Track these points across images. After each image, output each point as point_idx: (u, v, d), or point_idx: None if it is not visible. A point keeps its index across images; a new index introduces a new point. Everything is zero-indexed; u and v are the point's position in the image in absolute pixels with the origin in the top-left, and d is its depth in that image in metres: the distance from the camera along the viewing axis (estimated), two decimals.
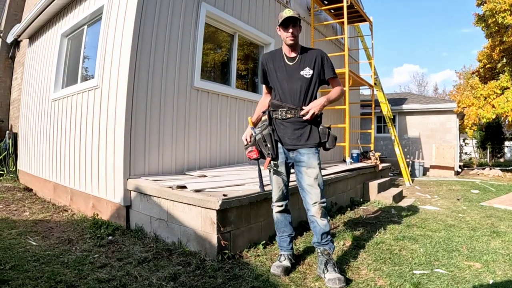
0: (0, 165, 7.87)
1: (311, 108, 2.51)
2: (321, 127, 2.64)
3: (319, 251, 2.58)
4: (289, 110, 2.58)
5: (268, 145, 2.57)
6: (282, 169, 2.65)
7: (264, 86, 2.85)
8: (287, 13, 2.49)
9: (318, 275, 2.54)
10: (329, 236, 2.56)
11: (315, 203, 2.51)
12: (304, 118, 2.52)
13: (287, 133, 2.59)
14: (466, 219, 4.60)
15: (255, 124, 2.78)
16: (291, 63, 2.63)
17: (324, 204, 2.53)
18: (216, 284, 2.36)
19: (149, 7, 3.87)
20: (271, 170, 2.66)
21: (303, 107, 2.56)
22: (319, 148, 2.65)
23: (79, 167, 4.41)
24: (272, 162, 2.62)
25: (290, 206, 2.82)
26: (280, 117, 2.61)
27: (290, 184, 2.79)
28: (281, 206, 2.71)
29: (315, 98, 2.67)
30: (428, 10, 62.61)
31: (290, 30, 2.52)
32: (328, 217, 2.60)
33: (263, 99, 2.88)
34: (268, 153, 2.57)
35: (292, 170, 2.73)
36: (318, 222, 2.53)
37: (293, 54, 2.64)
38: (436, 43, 62.31)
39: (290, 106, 2.58)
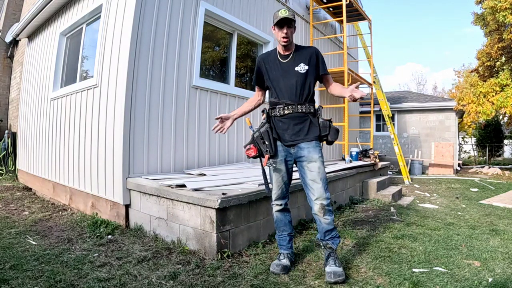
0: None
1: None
2: (321, 120, 2.62)
3: (322, 245, 2.63)
4: (286, 106, 2.58)
5: (266, 143, 2.57)
6: (281, 167, 2.65)
7: (256, 87, 2.87)
8: (282, 13, 2.49)
9: (321, 269, 2.58)
10: (332, 233, 2.56)
11: (317, 199, 2.50)
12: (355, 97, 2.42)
13: (286, 129, 2.59)
14: (465, 217, 4.61)
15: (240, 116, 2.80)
16: (285, 60, 2.64)
17: (327, 201, 2.50)
18: (215, 282, 2.36)
19: (148, 6, 3.86)
20: (270, 167, 2.66)
21: (301, 102, 2.57)
22: (320, 142, 2.64)
23: (79, 166, 4.41)
24: (271, 159, 2.62)
25: (289, 204, 2.82)
26: (278, 114, 2.60)
27: (291, 182, 2.78)
28: (281, 205, 2.71)
29: (313, 94, 2.67)
30: (432, 10, 62.93)
31: (284, 31, 2.53)
32: (332, 215, 2.58)
33: (254, 97, 2.91)
34: (266, 151, 2.57)
35: (295, 168, 2.72)
36: (321, 221, 2.53)
37: (287, 52, 2.65)
38: (439, 42, 62.73)
39: (287, 102, 2.58)
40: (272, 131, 2.62)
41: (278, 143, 2.64)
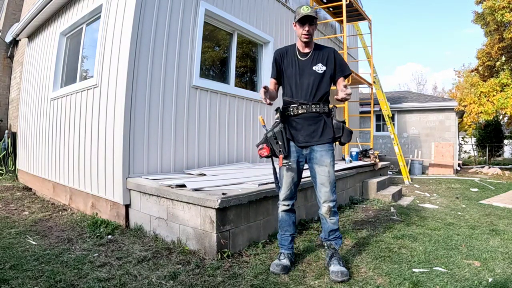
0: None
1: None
2: (335, 121, 2.61)
3: (325, 244, 2.65)
4: (300, 105, 2.56)
5: (279, 143, 2.55)
6: (293, 168, 2.63)
7: (272, 79, 2.76)
8: (305, 10, 2.48)
9: (323, 268, 2.61)
10: (336, 233, 2.61)
11: (325, 201, 2.56)
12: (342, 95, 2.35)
13: (300, 129, 2.58)
14: (465, 217, 4.61)
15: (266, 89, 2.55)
16: (303, 58, 2.62)
17: (333, 203, 2.56)
18: (215, 282, 2.36)
19: (148, 6, 3.86)
20: (285, 167, 2.62)
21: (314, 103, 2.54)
22: (333, 144, 2.63)
23: (79, 166, 4.41)
24: (284, 160, 2.60)
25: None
26: (292, 113, 2.59)
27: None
28: (288, 205, 2.70)
29: (328, 94, 2.64)
30: (432, 10, 63.12)
31: (306, 28, 2.52)
32: (338, 216, 2.63)
33: (272, 86, 2.74)
34: (280, 151, 2.55)
35: (305, 166, 2.71)
36: (327, 220, 2.59)
37: (306, 50, 2.63)
38: (439, 42, 62.95)
39: (301, 101, 2.55)
40: (286, 131, 2.60)
41: (291, 143, 2.62)
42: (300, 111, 2.56)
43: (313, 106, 2.55)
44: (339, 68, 2.65)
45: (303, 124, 2.57)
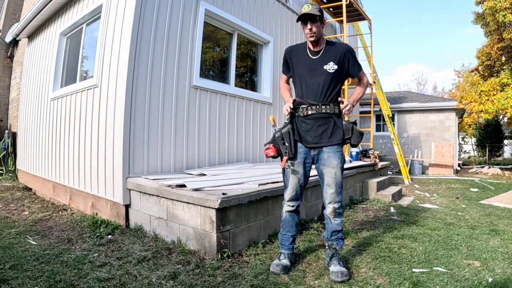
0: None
1: (348, 104, 2.48)
2: (344, 122, 2.58)
3: (327, 244, 2.65)
4: (310, 106, 2.53)
5: (286, 144, 2.54)
6: (299, 169, 2.61)
7: (283, 75, 2.80)
8: (305, 8, 2.44)
9: (323, 268, 2.61)
10: (339, 234, 2.61)
11: (330, 203, 2.57)
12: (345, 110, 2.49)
13: (309, 130, 2.55)
14: (465, 217, 4.61)
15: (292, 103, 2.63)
16: (314, 57, 2.57)
17: (339, 204, 2.56)
18: (215, 282, 2.36)
19: (148, 6, 3.86)
20: (288, 169, 2.62)
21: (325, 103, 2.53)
22: (343, 146, 2.61)
23: (79, 166, 4.41)
24: (289, 161, 2.58)
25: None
26: (302, 114, 2.56)
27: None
28: (293, 206, 2.69)
29: (339, 94, 2.62)
30: (433, 11, 63.23)
31: (309, 27, 2.47)
32: (342, 217, 2.64)
33: (285, 82, 2.84)
34: (286, 152, 2.53)
35: (312, 166, 2.70)
36: (331, 221, 2.59)
37: (317, 48, 2.58)
38: (440, 42, 63.07)
39: (311, 102, 2.52)
40: (294, 132, 2.59)
41: (299, 144, 2.61)
42: (309, 112, 2.53)
43: (323, 107, 2.52)
44: (352, 67, 2.61)
45: (312, 125, 2.55)
